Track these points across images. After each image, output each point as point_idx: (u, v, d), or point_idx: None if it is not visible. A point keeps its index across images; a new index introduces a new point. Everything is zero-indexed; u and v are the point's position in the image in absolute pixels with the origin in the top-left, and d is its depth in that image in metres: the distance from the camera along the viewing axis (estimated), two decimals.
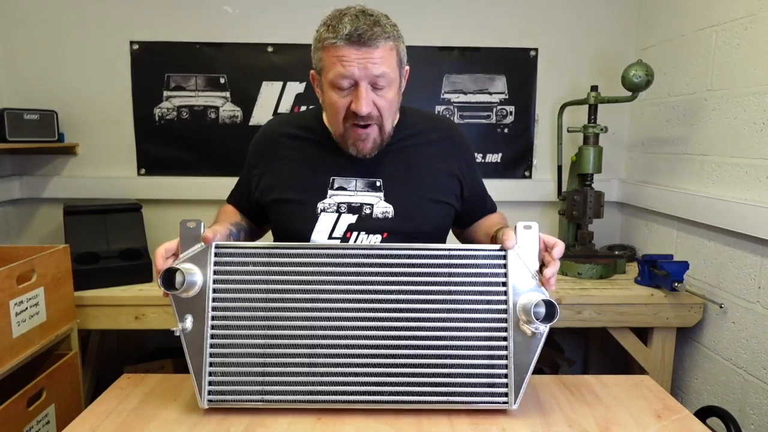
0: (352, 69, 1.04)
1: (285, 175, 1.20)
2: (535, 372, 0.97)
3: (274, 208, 1.22)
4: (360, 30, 1.02)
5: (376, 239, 1.17)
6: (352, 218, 1.17)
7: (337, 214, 1.17)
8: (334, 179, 1.18)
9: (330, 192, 1.18)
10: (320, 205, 1.17)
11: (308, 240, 1.17)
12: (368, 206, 1.17)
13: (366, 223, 1.17)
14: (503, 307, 0.96)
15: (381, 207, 1.17)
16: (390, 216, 1.17)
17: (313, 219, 1.16)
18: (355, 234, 1.17)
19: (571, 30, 2.23)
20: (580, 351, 2.46)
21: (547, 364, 2.21)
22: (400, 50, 1.11)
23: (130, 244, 1.83)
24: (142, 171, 2.22)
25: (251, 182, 1.25)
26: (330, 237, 1.17)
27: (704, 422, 0.99)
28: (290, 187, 1.19)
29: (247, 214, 1.30)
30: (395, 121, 1.18)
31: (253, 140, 1.29)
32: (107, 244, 1.81)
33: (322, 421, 0.94)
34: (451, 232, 1.38)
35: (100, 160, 2.21)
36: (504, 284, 0.96)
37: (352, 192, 1.18)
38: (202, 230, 0.98)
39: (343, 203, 1.17)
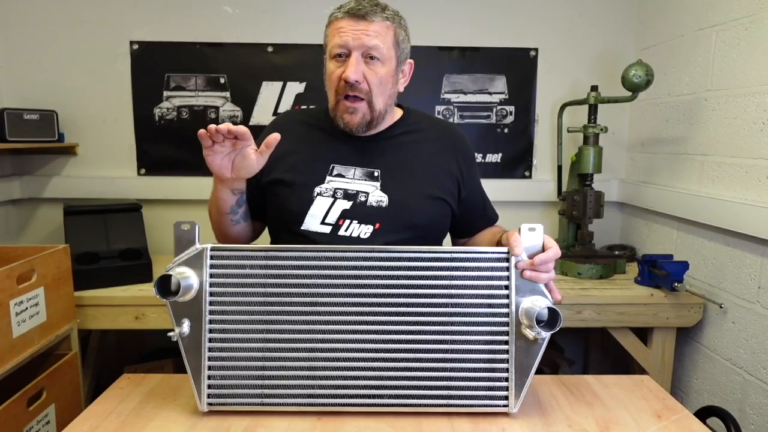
0: (347, 38, 1.13)
1: (287, 157, 1.22)
2: (534, 372, 0.97)
3: (272, 189, 1.23)
4: (360, 5, 1.13)
5: (368, 229, 1.18)
6: (346, 204, 1.18)
7: (332, 199, 1.18)
8: (334, 166, 1.21)
9: (328, 178, 1.20)
10: (317, 189, 1.19)
11: (301, 222, 1.18)
12: (364, 194, 1.19)
13: (360, 210, 1.18)
14: (506, 310, 0.95)
15: (376, 196, 1.19)
16: (384, 205, 1.19)
17: (309, 202, 1.18)
18: (347, 222, 1.18)
19: (571, 30, 2.23)
20: (580, 351, 2.46)
21: (547, 364, 2.21)
22: (398, 34, 1.17)
23: (130, 244, 1.83)
24: (142, 171, 2.22)
25: None
26: (323, 222, 1.18)
27: (704, 422, 0.99)
28: (291, 168, 1.22)
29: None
30: (388, 105, 1.21)
31: (264, 129, 1.31)
32: (107, 244, 1.81)
33: (323, 421, 0.94)
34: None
35: (100, 160, 2.21)
36: (507, 287, 0.95)
37: (350, 179, 1.20)
38: (197, 232, 0.94)
39: (340, 189, 1.19)
